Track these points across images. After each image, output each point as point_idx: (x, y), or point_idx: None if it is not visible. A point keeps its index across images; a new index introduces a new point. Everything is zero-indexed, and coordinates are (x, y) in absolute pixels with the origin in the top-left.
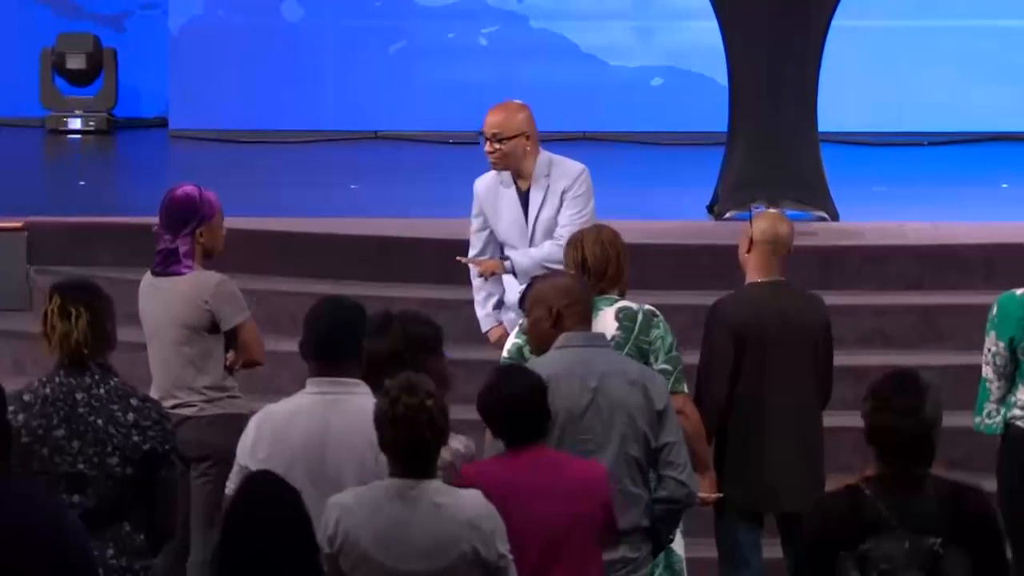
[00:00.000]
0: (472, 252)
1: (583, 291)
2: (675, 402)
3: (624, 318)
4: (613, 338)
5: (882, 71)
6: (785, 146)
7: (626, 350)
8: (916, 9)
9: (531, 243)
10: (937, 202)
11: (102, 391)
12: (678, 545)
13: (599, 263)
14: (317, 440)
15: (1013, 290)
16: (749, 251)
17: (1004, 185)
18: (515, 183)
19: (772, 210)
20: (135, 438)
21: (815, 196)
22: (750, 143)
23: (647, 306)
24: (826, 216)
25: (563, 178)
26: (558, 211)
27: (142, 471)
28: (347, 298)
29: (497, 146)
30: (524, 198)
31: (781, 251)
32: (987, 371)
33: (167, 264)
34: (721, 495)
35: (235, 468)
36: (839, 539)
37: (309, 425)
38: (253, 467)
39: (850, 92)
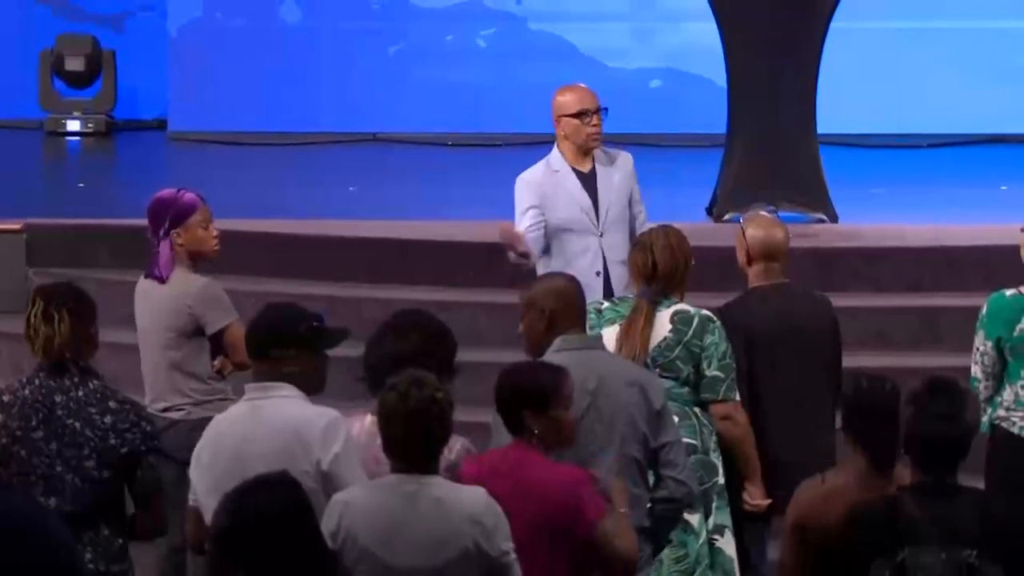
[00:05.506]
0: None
1: (577, 293)
2: (725, 409)
3: (679, 321)
4: (664, 339)
5: (881, 73)
6: (784, 148)
7: (676, 352)
8: (915, 11)
9: (603, 221)
10: (936, 204)
11: (81, 394)
12: (728, 545)
13: (668, 269)
14: (239, 447)
15: (1003, 290)
16: (749, 262)
17: (1003, 187)
18: (571, 168)
19: (763, 214)
20: (112, 441)
21: (814, 198)
22: (749, 145)
23: (704, 311)
24: (825, 218)
25: (626, 161)
26: (629, 188)
27: (120, 474)
28: (292, 304)
29: (601, 118)
30: (585, 180)
31: (779, 255)
32: (976, 370)
33: (150, 267)
34: (770, 501)
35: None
36: (875, 548)
37: (236, 432)
38: (194, 475)
39: (849, 94)
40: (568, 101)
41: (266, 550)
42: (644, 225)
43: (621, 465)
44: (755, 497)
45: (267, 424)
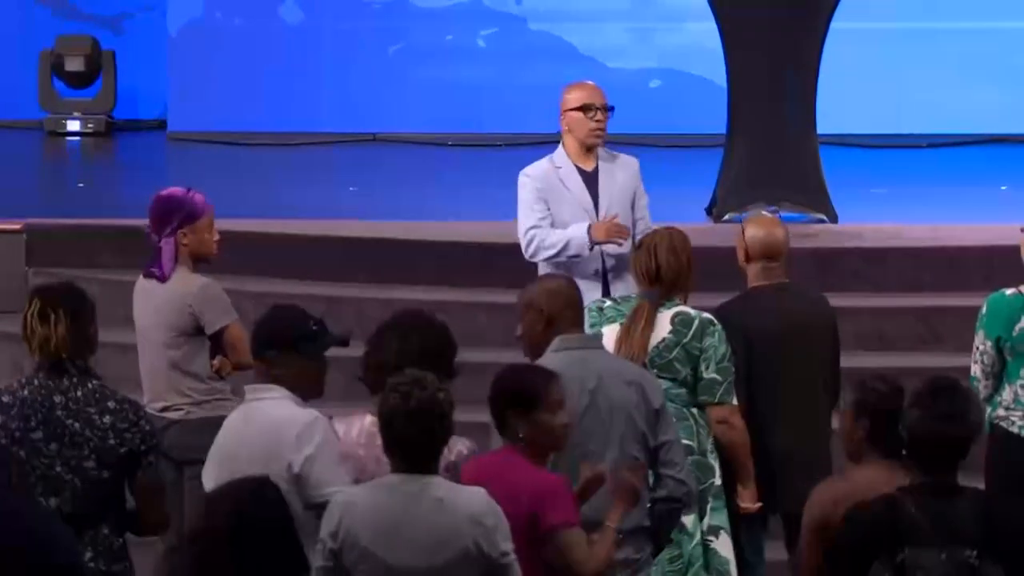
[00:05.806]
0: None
1: (575, 293)
2: (721, 412)
3: (679, 323)
4: (663, 340)
5: (881, 73)
6: (784, 148)
7: (674, 353)
8: (915, 11)
9: (604, 220)
10: (936, 204)
11: (80, 394)
12: (723, 547)
13: (672, 271)
14: (235, 449)
15: (1003, 290)
16: (748, 262)
17: (1003, 187)
18: (575, 166)
19: (764, 214)
20: (111, 441)
21: (814, 198)
22: (749, 145)
23: (706, 314)
24: (825, 218)
25: (631, 164)
26: (631, 191)
27: (119, 473)
28: (295, 306)
29: (606, 115)
30: (587, 179)
31: (779, 255)
32: (975, 370)
33: (151, 265)
34: (761, 504)
35: None
36: (875, 548)
37: (233, 433)
38: (204, 476)
39: (849, 94)
40: (573, 96)
41: (236, 552)
42: (646, 232)
43: (621, 464)
44: (746, 501)
45: (254, 426)
